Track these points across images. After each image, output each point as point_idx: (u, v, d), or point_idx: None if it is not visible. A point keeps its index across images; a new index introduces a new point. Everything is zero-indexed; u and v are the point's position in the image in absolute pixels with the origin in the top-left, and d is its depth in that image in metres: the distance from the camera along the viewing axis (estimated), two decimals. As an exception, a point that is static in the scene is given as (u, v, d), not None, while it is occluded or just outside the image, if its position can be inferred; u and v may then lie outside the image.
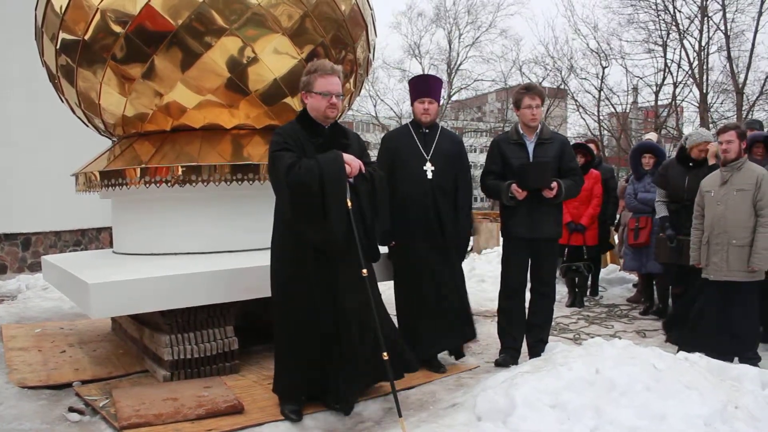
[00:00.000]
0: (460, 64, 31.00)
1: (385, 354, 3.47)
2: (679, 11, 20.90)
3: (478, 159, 40.18)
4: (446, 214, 4.55)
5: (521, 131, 4.70)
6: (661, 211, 5.73)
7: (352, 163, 3.56)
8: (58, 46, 5.22)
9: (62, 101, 5.87)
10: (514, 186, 4.53)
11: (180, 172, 4.96)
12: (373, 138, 36.61)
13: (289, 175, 3.46)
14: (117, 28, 4.87)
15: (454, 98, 32.08)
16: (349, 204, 3.53)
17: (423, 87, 4.70)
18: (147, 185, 5.01)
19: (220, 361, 4.55)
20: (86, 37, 4.98)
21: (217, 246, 5.19)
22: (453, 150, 4.72)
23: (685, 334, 4.88)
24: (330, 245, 3.53)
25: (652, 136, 8.14)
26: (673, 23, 21.11)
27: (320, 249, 3.59)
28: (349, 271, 3.60)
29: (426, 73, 25.42)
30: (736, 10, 19.68)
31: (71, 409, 3.99)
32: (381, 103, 31.67)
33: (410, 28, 41.13)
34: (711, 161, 5.47)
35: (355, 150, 3.78)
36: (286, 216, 3.61)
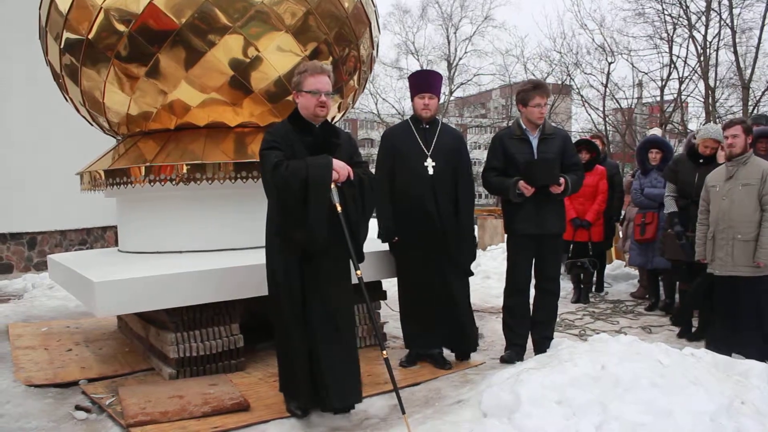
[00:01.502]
0: (459, 60, 30.97)
1: (384, 352, 3.47)
2: (687, 7, 20.80)
3: (482, 155, 40.19)
4: (447, 210, 4.54)
5: (524, 127, 4.69)
6: (670, 207, 5.69)
7: (340, 170, 3.55)
8: (62, 46, 5.23)
9: (66, 100, 5.88)
10: (522, 183, 4.52)
11: (184, 171, 4.97)
12: (377, 136, 36.61)
13: (274, 174, 3.48)
14: (121, 27, 4.88)
15: (457, 94, 32.05)
16: (339, 208, 3.53)
17: (423, 82, 4.69)
18: (152, 184, 5.02)
19: (226, 358, 4.56)
20: (90, 37, 4.99)
21: (222, 244, 5.20)
22: (453, 145, 4.71)
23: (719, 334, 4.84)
24: (310, 246, 3.54)
25: (656, 131, 8.11)
26: (684, 17, 20.98)
27: (302, 248, 3.60)
28: (340, 272, 3.64)
29: (425, 68, 25.34)
30: (743, 5, 19.59)
31: (78, 407, 4.00)
32: (382, 101, 31.67)
33: (402, 24, 40.98)
34: (721, 159, 5.44)
35: (345, 149, 3.78)
36: (272, 214, 3.64)
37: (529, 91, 4.63)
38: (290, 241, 3.57)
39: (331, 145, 3.73)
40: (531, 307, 4.86)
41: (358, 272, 3.54)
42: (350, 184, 3.63)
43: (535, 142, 4.65)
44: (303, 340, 3.63)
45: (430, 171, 4.54)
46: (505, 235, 4.92)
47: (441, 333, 4.65)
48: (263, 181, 3.66)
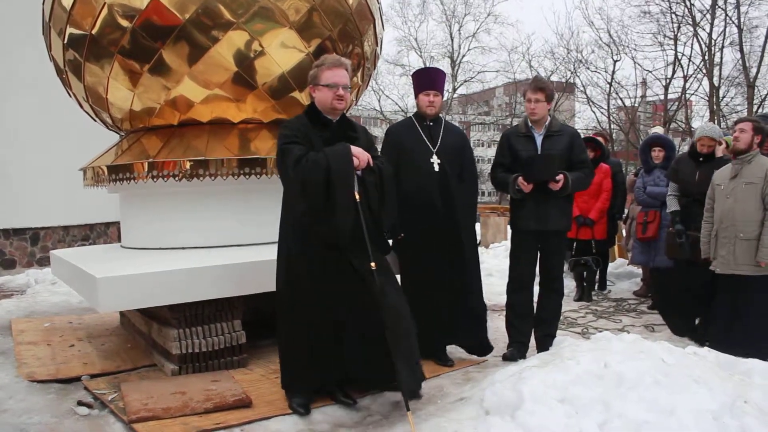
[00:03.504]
0: (462, 57, 30.88)
1: None
2: (693, 5, 20.74)
3: (486, 153, 40.16)
4: (453, 206, 4.53)
5: (530, 124, 4.69)
6: (673, 206, 5.70)
7: (360, 156, 3.55)
8: (65, 41, 5.23)
9: (70, 96, 5.88)
10: (520, 179, 4.52)
11: (187, 167, 4.96)
12: (380, 133, 36.57)
13: (296, 168, 3.47)
14: (124, 23, 4.87)
15: (461, 92, 31.97)
16: (358, 197, 3.52)
17: (427, 80, 4.69)
18: (155, 179, 5.02)
19: (228, 355, 4.56)
20: (93, 32, 4.98)
21: (225, 240, 5.19)
22: (458, 142, 4.72)
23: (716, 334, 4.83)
24: (337, 238, 3.53)
25: (658, 130, 8.10)
26: (688, 15, 20.91)
27: (327, 242, 3.58)
28: (358, 264, 3.59)
29: (428, 66, 25.25)
30: (750, 4, 19.54)
31: (80, 403, 4.00)
32: (385, 98, 31.58)
33: (404, 18, 40.28)
34: (718, 154, 5.45)
35: (362, 143, 3.76)
36: (295, 209, 3.61)
37: (527, 86, 4.68)
38: (311, 235, 3.56)
39: (349, 139, 3.72)
40: (534, 304, 4.85)
41: (372, 264, 3.52)
42: (371, 171, 3.62)
43: (539, 140, 4.64)
44: (319, 336, 3.63)
45: (436, 168, 4.53)
46: (509, 233, 4.91)
47: (441, 333, 4.63)
48: (283, 177, 3.64)
